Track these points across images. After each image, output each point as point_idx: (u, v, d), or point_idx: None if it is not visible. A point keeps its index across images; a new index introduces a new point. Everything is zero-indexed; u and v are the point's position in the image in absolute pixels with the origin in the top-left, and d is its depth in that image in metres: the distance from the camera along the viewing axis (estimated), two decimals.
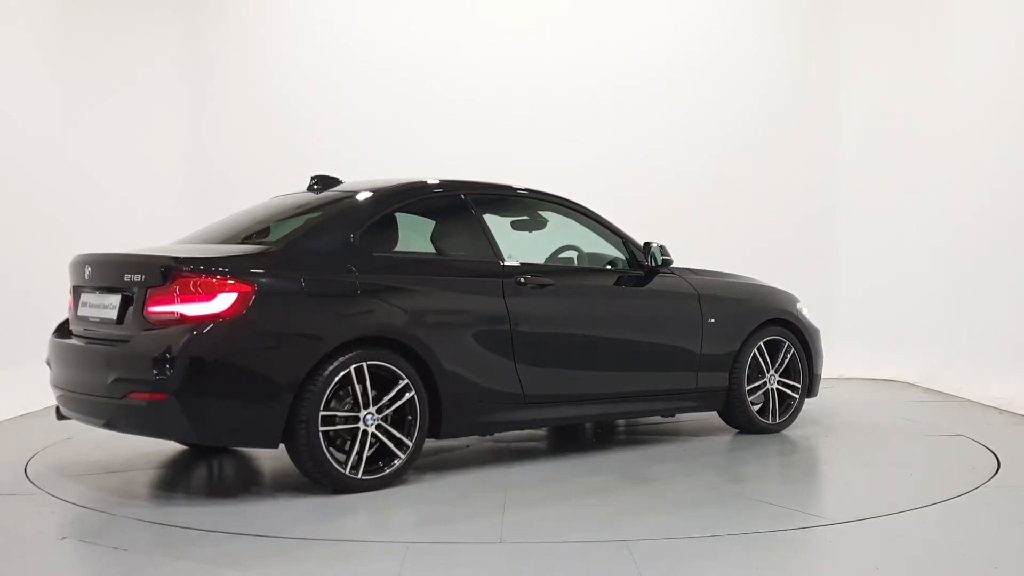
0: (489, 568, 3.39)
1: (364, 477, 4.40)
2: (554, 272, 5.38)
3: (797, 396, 6.09)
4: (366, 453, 4.41)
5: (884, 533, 3.80)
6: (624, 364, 5.42)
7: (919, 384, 8.38)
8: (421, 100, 9.13)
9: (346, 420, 4.38)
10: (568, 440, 6.00)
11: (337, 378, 4.32)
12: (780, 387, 6.05)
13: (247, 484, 4.85)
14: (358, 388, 4.38)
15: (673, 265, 5.76)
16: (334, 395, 4.36)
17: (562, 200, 5.61)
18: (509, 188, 5.54)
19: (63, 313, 5.01)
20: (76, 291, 4.82)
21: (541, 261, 5.71)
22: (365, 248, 4.68)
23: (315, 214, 4.89)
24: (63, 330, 4.90)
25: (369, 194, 4.96)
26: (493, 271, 4.99)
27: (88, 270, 4.67)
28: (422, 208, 5.19)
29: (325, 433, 4.31)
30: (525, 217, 5.77)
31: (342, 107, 9.15)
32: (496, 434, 5.72)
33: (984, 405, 7.18)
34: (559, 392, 5.15)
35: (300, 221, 4.87)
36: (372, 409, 4.42)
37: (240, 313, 4.16)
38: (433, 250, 5.16)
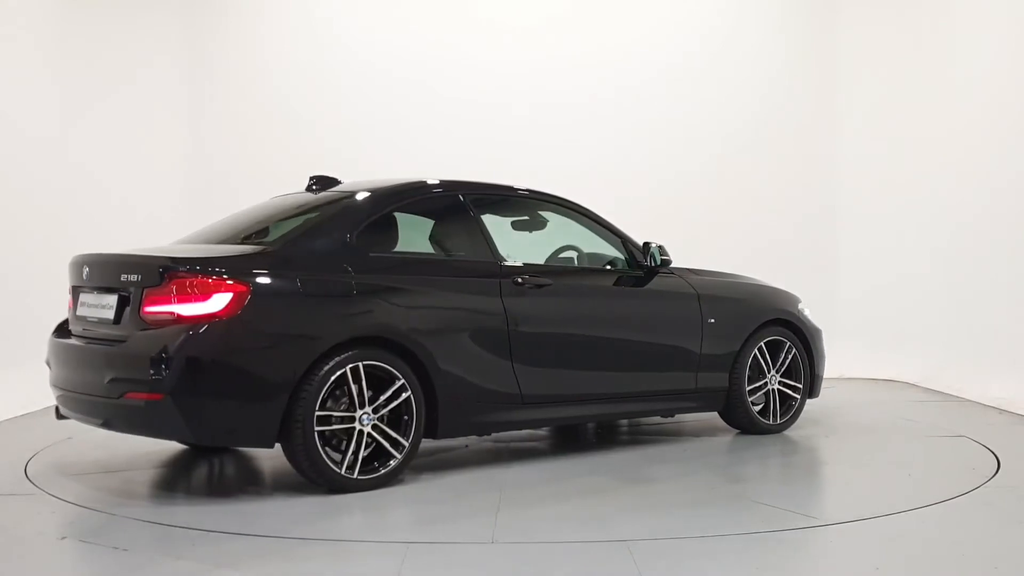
0: (489, 568, 3.39)
1: (360, 477, 4.41)
2: (552, 272, 5.37)
3: (798, 397, 6.09)
4: (362, 453, 4.41)
5: (884, 533, 3.80)
6: (622, 364, 5.41)
7: (919, 384, 8.38)
8: (421, 100, 9.12)
9: (342, 420, 4.38)
10: (568, 440, 6.00)
11: (333, 378, 4.32)
12: (781, 388, 6.04)
13: (247, 484, 4.85)
14: (354, 388, 4.39)
15: (673, 265, 5.76)
16: (330, 395, 4.37)
17: (561, 200, 5.61)
18: (508, 188, 5.54)
19: (63, 313, 5.02)
20: (75, 291, 4.83)
21: (541, 261, 5.71)
22: (362, 248, 4.68)
23: (312, 214, 4.89)
24: (62, 330, 4.91)
25: (366, 194, 4.96)
26: (491, 271, 4.99)
27: (86, 270, 4.68)
28: (420, 208, 5.19)
29: (321, 433, 4.32)
30: (525, 217, 5.77)
31: (342, 107, 9.15)
32: (495, 434, 5.73)
33: (984, 405, 7.18)
34: (557, 392, 5.15)
35: (298, 221, 4.87)
36: (368, 409, 4.42)
37: (236, 313, 4.17)
38: (431, 250, 5.17)
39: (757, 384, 5.94)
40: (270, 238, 4.81)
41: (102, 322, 4.50)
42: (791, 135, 9.30)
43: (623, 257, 5.67)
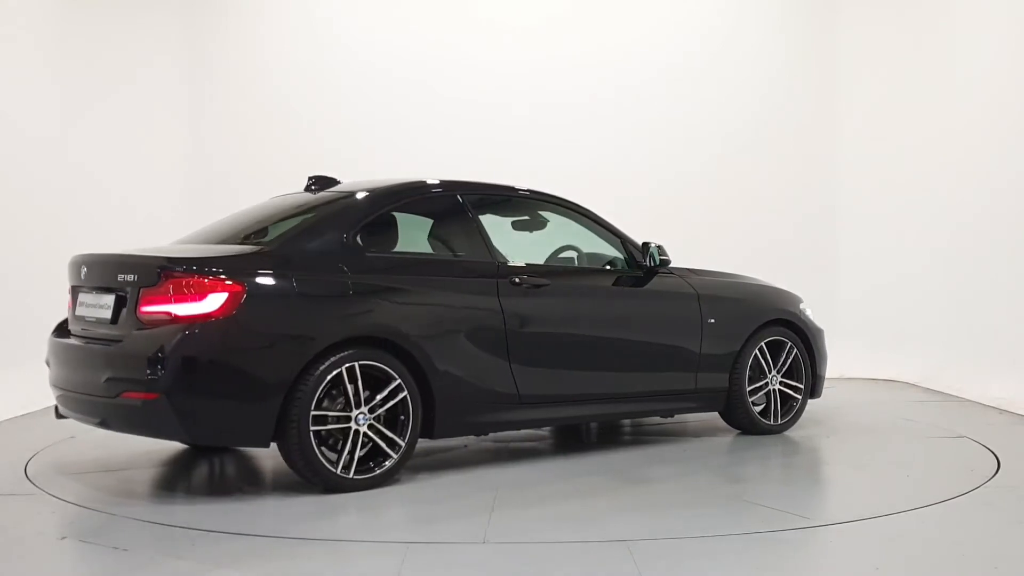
0: (488, 568, 3.39)
1: (356, 477, 4.41)
2: (550, 272, 5.37)
3: (799, 397, 6.08)
4: (358, 453, 4.42)
5: (884, 533, 3.80)
6: (621, 364, 5.41)
7: (919, 384, 8.38)
8: (421, 100, 9.12)
9: (338, 420, 4.38)
10: (568, 440, 6.00)
11: (328, 378, 4.33)
12: (782, 388, 6.03)
13: (247, 483, 4.85)
14: (350, 388, 4.39)
15: (674, 265, 5.75)
16: (326, 395, 4.37)
17: (560, 200, 5.60)
18: (506, 188, 5.54)
19: (63, 313, 5.02)
20: (74, 291, 4.85)
21: (541, 261, 5.71)
22: (358, 248, 4.68)
23: (310, 215, 4.90)
24: (62, 330, 4.92)
25: (364, 194, 4.97)
26: (488, 271, 4.99)
27: (84, 270, 4.70)
28: (418, 208, 5.20)
29: (317, 433, 4.33)
30: (525, 217, 5.77)
31: (342, 107, 9.15)
32: (495, 434, 5.73)
33: (984, 405, 7.18)
34: (555, 392, 5.15)
35: (295, 221, 4.88)
36: (364, 409, 4.42)
37: (231, 313, 4.18)
38: (428, 250, 5.17)
39: (758, 384, 5.93)
40: (268, 238, 4.82)
41: (100, 322, 4.51)
42: (791, 135, 9.30)
43: (622, 257, 5.67)
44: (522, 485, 4.69)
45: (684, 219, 8.94)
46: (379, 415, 4.48)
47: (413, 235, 5.14)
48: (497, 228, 5.43)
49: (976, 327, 7.84)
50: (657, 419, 6.45)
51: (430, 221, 5.27)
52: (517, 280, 5.04)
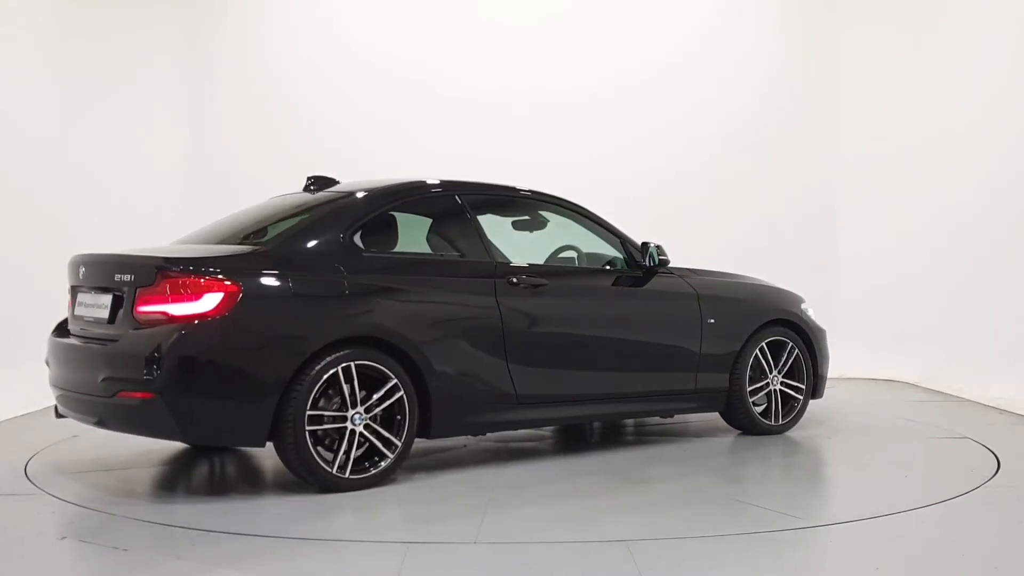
0: (489, 568, 3.39)
1: (351, 476, 4.42)
2: (549, 272, 5.36)
3: (801, 397, 6.08)
4: (355, 453, 4.42)
5: (884, 533, 3.80)
6: (619, 364, 5.40)
7: (919, 384, 8.38)
8: (421, 100, 9.12)
9: (334, 420, 4.39)
10: (568, 440, 6.00)
11: (324, 378, 4.33)
12: (783, 388, 6.03)
13: (247, 483, 4.85)
14: (346, 388, 4.39)
15: (675, 265, 5.75)
16: (322, 395, 4.38)
17: (559, 200, 5.60)
18: (505, 188, 5.54)
19: (63, 313, 5.03)
20: (73, 291, 4.86)
21: (541, 261, 5.71)
22: (355, 248, 4.69)
23: (307, 215, 4.90)
24: (62, 329, 4.93)
25: (361, 194, 4.97)
26: (486, 271, 4.99)
27: (82, 270, 4.72)
28: (415, 208, 5.20)
29: (313, 432, 4.33)
30: (525, 217, 5.77)
31: (342, 107, 9.15)
32: (496, 434, 5.73)
33: (984, 405, 7.18)
34: (553, 392, 5.15)
35: (293, 221, 4.88)
36: (360, 409, 4.42)
37: (226, 313, 4.18)
38: (426, 250, 5.17)
39: (759, 385, 5.93)
40: (266, 238, 4.82)
41: (97, 322, 4.52)
42: (791, 135, 9.30)
43: (622, 257, 5.66)
44: (521, 485, 4.69)
45: (684, 219, 8.94)
46: (375, 415, 4.48)
47: (411, 235, 5.14)
48: (497, 228, 5.43)
49: (976, 327, 7.84)
50: (658, 419, 6.44)
51: (428, 221, 5.27)
52: (515, 280, 5.04)
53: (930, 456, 5.52)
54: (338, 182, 5.39)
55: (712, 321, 5.73)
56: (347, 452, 4.40)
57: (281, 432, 4.27)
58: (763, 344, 5.92)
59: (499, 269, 5.03)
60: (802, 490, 4.82)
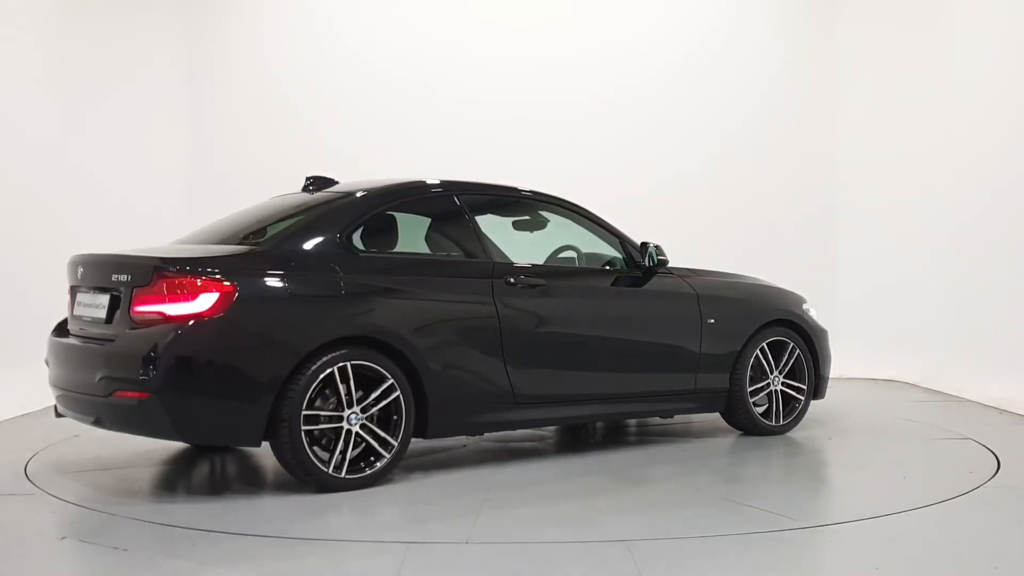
0: (489, 568, 3.39)
1: (348, 476, 4.42)
2: (547, 273, 5.35)
3: (802, 398, 6.07)
4: (351, 453, 4.42)
5: (884, 533, 3.80)
6: (618, 365, 5.40)
7: (919, 384, 8.38)
8: (421, 100, 9.12)
9: (330, 419, 4.39)
10: (567, 440, 6.00)
11: (320, 377, 4.34)
12: (784, 389, 6.02)
13: (247, 483, 4.84)
14: (342, 388, 4.39)
15: (675, 265, 5.74)
16: (319, 394, 4.38)
17: (558, 200, 5.59)
18: (503, 188, 5.53)
19: (63, 313, 5.03)
20: (72, 291, 4.87)
21: (540, 261, 5.70)
22: (351, 248, 4.69)
23: (304, 215, 4.90)
24: (61, 329, 4.94)
25: (358, 195, 4.97)
26: (483, 272, 4.99)
27: (81, 270, 4.73)
28: (413, 208, 5.20)
29: (309, 432, 4.33)
30: (526, 218, 5.77)
31: (342, 107, 9.15)
32: (494, 434, 5.72)
33: (984, 405, 7.18)
34: (551, 392, 5.14)
35: (291, 221, 4.88)
36: (356, 409, 4.43)
37: (222, 313, 4.19)
38: (423, 250, 5.17)
39: (760, 385, 5.92)
40: (264, 238, 4.82)
41: (95, 321, 4.53)
42: (791, 135, 9.30)
43: (621, 257, 5.66)
44: (521, 485, 4.69)
45: (684, 219, 8.94)
46: (372, 415, 4.49)
47: (408, 235, 5.13)
48: (497, 228, 5.43)
49: (976, 327, 7.84)
50: (659, 420, 6.44)
51: (426, 221, 5.27)
52: (512, 280, 5.04)
53: (930, 456, 5.52)
54: (337, 182, 5.39)
55: (712, 321, 5.72)
56: (343, 452, 4.40)
57: (277, 432, 4.28)
58: (764, 344, 5.92)
59: (497, 269, 5.03)
60: (802, 490, 4.81)
